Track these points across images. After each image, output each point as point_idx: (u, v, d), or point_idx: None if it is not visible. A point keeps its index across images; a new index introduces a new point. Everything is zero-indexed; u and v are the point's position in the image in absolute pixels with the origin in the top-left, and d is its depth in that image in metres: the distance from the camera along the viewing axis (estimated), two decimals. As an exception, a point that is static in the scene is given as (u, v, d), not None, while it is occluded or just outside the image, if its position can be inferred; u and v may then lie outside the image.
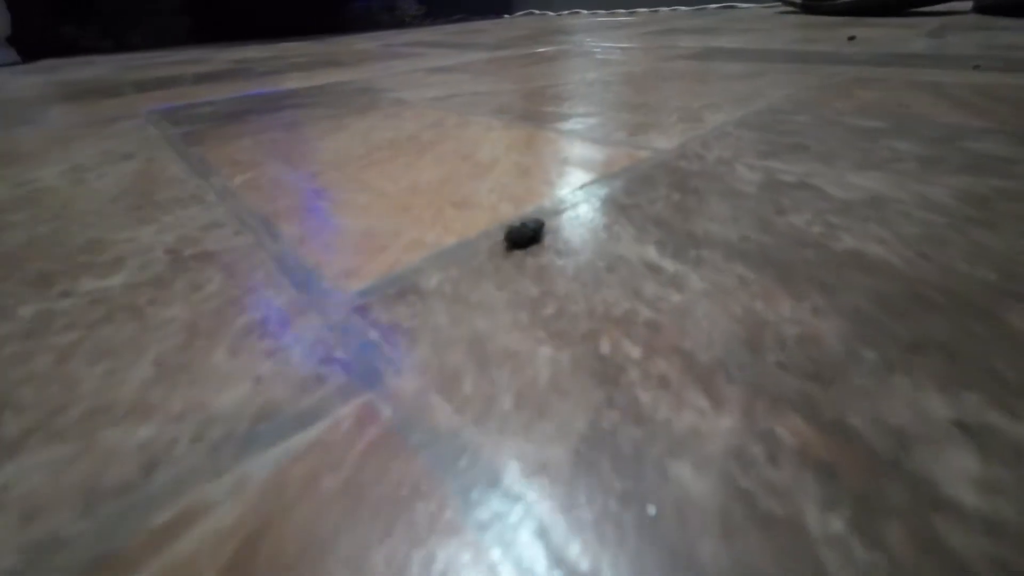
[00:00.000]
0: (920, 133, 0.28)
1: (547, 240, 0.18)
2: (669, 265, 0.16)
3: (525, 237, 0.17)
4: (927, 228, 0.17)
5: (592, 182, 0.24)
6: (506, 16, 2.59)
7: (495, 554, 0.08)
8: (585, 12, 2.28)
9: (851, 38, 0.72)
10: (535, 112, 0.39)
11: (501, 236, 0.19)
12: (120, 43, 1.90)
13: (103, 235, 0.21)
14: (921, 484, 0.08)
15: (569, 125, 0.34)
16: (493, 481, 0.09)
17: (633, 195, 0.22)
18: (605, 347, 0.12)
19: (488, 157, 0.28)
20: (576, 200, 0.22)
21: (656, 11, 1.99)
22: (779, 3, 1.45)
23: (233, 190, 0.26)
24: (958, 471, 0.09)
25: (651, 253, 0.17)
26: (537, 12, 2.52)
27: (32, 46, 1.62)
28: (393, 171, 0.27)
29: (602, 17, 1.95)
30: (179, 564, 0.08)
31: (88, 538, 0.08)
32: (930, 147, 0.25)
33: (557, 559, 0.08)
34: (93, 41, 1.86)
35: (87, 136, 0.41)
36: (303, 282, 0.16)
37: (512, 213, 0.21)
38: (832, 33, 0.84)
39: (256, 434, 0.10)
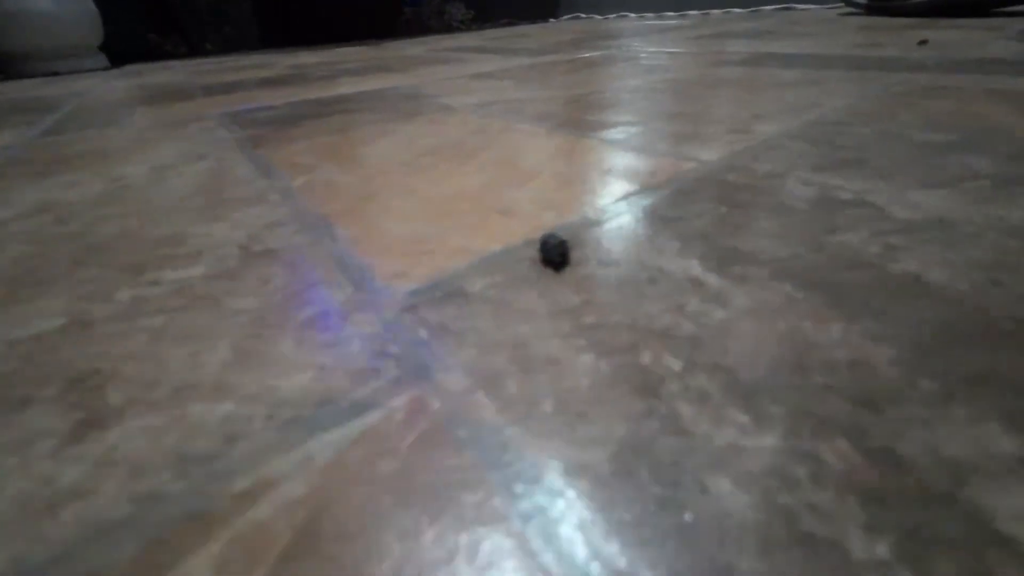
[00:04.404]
0: (997, 149, 0.26)
1: (589, 250, 0.18)
2: (713, 280, 0.16)
3: (555, 260, 0.17)
4: (1000, 253, 0.16)
5: (634, 193, 0.24)
6: (552, 20, 2.60)
7: (537, 544, 0.08)
8: (632, 15, 2.25)
9: (922, 42, 0.68)
10: (577, 120, 0.39)
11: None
12: (195, 49, 2.05)
13: (183, 229, 0.23)
14: (977, 518, 0.08)
15: (611, 134, 0.34)
16: (535, 477, 0.10)
17: (676, 207, 0.22)
18: (646, 358, 0.13)
19: (530, 165, 0.29)
20: (618, 211, 0.22)
21: (707, 14, 1.94)
22: (841, 3, 1.38)
23: (293, 191, 0.28)
24: (1020, 508, 0.08)
25: (695, 267, 0.17)
26: (583, 15, 2.51)
27: (119, 52, 1.79)
28: (438, 177, 0.28)
29: (650, 20, 1.92)
30: (260, 524, 0.09)
31: (183, 496, 0.10)
32: (1008, 164, 0.24)
33: (595, 553, 0.08)
34: (172, 48, 2.02)
35: (165, 137, 0.45)
36: (358, 280, 0.17)
37: (555, 222, 0.21)
38: (900, 37, 0.79)
39: (320, 417, 0.11)
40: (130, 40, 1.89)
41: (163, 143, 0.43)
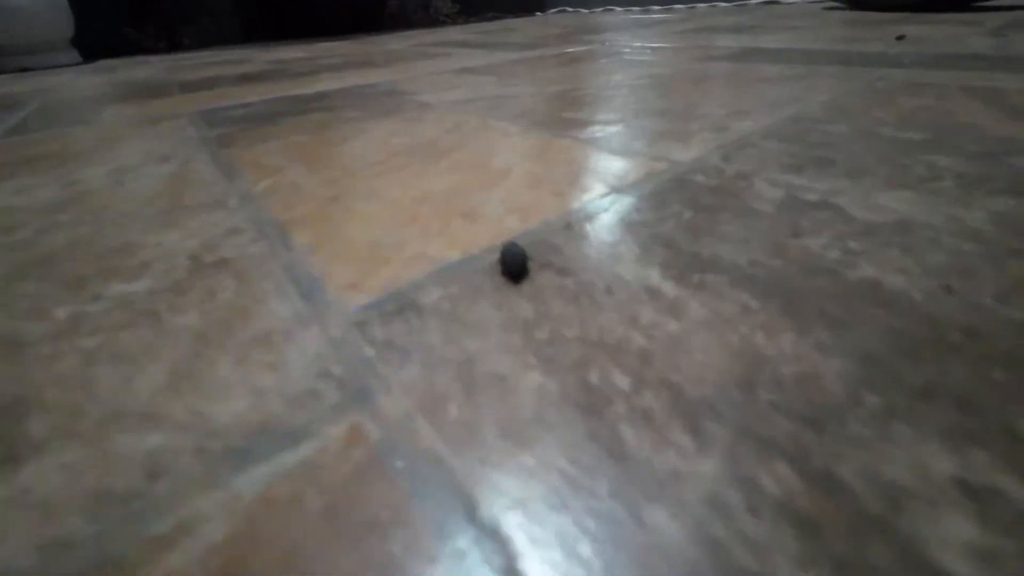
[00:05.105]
0: (964, 147, 0.26)
1: (549, 258, 0.18)
2: (670, 290, 0.15)
3: (513, 272, 0.17)
4: (956, 257, 0.16)
5: (603, 195, 0.23)
6: (539, 14, 2.58)
7: (458, 590, 0.08)
8: (619, 9, 2.24)
9: (900, 37, 0.68)
10: (555, 118, 0.39)
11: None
12: (173, 44, 2.00)
13: (134, 239, 0.22)
14: (909, 547, 0.08)
15: (587, 133, 0.34)
16: (469, 513, 0.09)
17: (642, 211, 0.21)
18: (594, 376, 0.12)
19: (501, 166, 0.29)
20: (583, 216, 0.21)
21: (693, 8, 1.93)
22: (825, -3, 1.38)
23: (255, 195, 0.27)
24: (952, 536, 0.08)
25: (653, 276, 0.16)
26: (570, 9, 2.50)
27: (92, 47, 1.73)
28: (406, 178, 0.28)
29: (636, 15, 1.91)
30: (173, 574, 0.08)
31: (95, 542, 0.09)
32: (973, 164, 0.24)
33: (520, 598, 0.08)
34: (149, 42, 1.96)
35: (132, 136, 0.44)
36: (309, 293, 0.17)
37: (518, 227, 0.21)
38: (881, 31, 0.79)
39: (251, 449, 0.11)
40: (104, 34, 1.84)
41: (128, 143, 0.42)
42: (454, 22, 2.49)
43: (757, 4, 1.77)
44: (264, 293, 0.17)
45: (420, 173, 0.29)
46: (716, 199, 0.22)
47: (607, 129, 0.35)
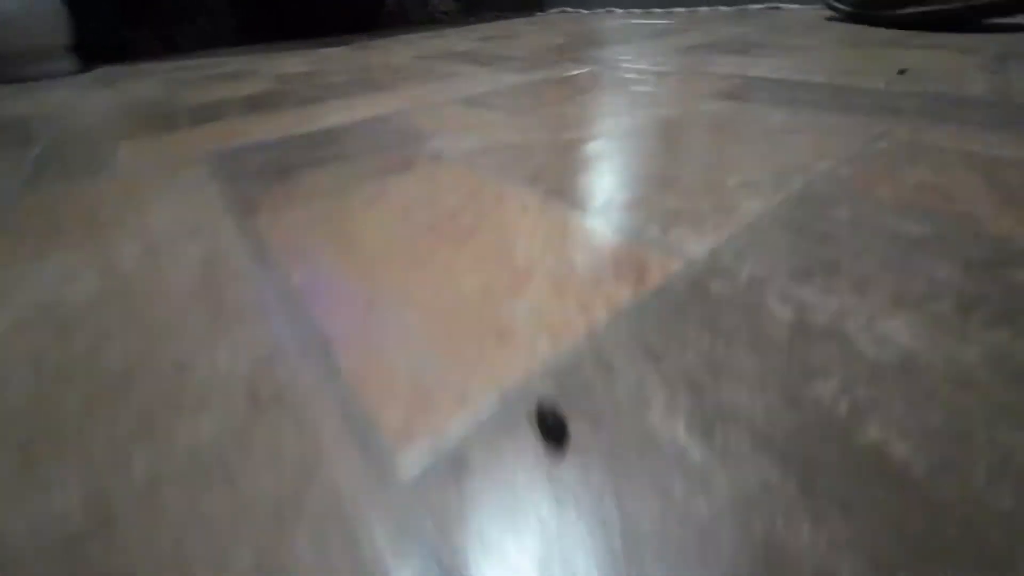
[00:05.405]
0: (961, 249, 0.27)
1: (582, 398, 0.20)
2: (697, 454, 0.17)
3: (555, 436, 0.18)
4: (954, 417, 0.18)
5: (625, 307, 0.25)
6: (539, 13, 2.55)
7: None
8: (619, 11, 2.22)
9: (901, 72, 0.69)
10: (569, 183, 0.40)
11: (540, 389, 0.20)
12: (168, 45, 1.98)
13: (187, 353, 0.24)
14: None
15: (601, 207, 0.35)
16: None
17: (664, 332, 0.23)
18: None
19: (525, 260, 0.30)
20: (609, 337, 0.23)
21: (695, 11, 1.92)
22: (825, 5, 1.38)
23: (292, 293, 0.28)
24: None
25: (680, 432, 0.18)
26: (570, 9, 2.48)
27: (87, 48, 1.72)
28: (436, 273, 0.29)
29: (637, 18, 1.90)
30: None
31: None
32: (969, 276, 0.25)
33: None
34: (144, 44, 1.94)
35: (155, 195, 0.45)
36: (366, 443, 0.18)
37: (549, 353, 0.22)
38: (883, 55, 0.80)
39: (343, 654, 0.13)
40: (100, 34, 1.82)
41: (154, 207, 0.43)
42: (453, 21, 2.47)
43: (759, 9, 1.76)
44: (325, 444, 0.19)
45: (448, 264, 0.30)
46: (731, 319, 0.23)
47: (620, 200, 0.36)
